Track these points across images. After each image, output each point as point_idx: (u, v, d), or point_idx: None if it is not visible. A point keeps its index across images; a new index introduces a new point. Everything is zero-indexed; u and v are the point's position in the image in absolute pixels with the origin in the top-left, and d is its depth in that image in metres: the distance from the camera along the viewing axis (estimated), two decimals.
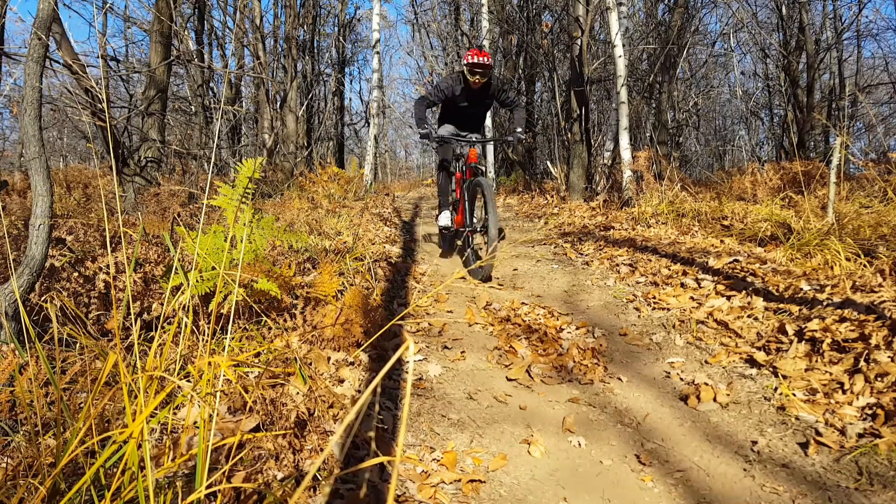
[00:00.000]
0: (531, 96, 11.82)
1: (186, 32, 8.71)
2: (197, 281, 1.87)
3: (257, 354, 1.86)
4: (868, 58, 14.66)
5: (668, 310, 2.86)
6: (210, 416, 1.15)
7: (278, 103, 9.94)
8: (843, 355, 2.01)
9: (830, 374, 1.94)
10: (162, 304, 2.07)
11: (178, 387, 1.45)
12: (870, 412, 1.73)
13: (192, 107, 9.23)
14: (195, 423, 1.26)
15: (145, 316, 2.06)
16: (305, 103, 10.86)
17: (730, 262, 3.30)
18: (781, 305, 2.56)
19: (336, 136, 14.08)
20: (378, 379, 0.46)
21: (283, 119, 9.44)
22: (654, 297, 3.01)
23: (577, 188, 7.05)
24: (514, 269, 4.06)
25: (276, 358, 1.84)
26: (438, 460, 1.64)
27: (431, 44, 15.31)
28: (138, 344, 1.71)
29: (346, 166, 10.42)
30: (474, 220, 4.03)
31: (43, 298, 1.92)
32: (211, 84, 10.37)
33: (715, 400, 1.98)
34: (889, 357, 1.88)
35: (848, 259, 2.98)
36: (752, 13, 11.05)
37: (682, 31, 9.19)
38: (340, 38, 13.43)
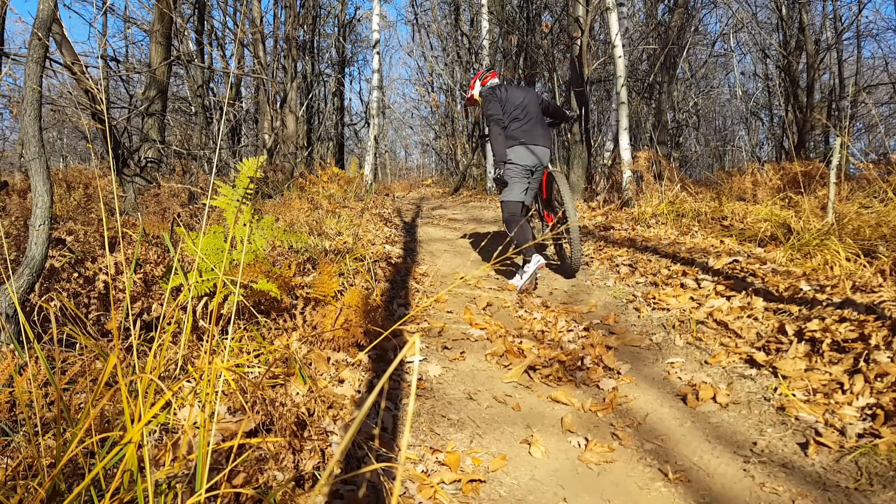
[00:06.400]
0: None
1: (186, 32, 8.72)
2: (197, 282, 1.87)
3: (257, 355, 1.86)
4: (868, 58, 14.68)
5: (668, 310, 2.86)
6: (211, 415, 1.15)
7: (278, 104, 9.94)
8: (842, 355, 2.01)
9: (830, 374, 1.94)
10: (162, 305, 2.07)
11: (177, 392, 1.45)
12: (869, 412, 1.73)
13: (192, 107, 9.24)
14: (195, 423, 1.26)
15: (145, 316, 2.06)
16: (305, 104, 10.86)
17: (730, 263, 3.30)
18: (781, 306, 2.56)
19: (336, 136, 14.07)
20: (383, 381, 0.46)
21: (283, 119, 9.44)
22: (654, 298, 3.01)
23: (577, 188, 7.06)
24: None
25: (276, 358, 1.84)
26: (439, 460, 1.64)
27: (431, 44, 15.32)
28: (138, 344, 1.71)
29: (346, 167, 10.41)
30: None
31: (43, 299, 1.92)
32: (211, 84, 10.37)
33: (715, 400, 1.98)
34: (889, 357, 1.88)
35: (848, 259, 2.98)
36: (752, 13, 11.05)
37: (682, 32, 9.19)
38: (340, 38, 13.42)
